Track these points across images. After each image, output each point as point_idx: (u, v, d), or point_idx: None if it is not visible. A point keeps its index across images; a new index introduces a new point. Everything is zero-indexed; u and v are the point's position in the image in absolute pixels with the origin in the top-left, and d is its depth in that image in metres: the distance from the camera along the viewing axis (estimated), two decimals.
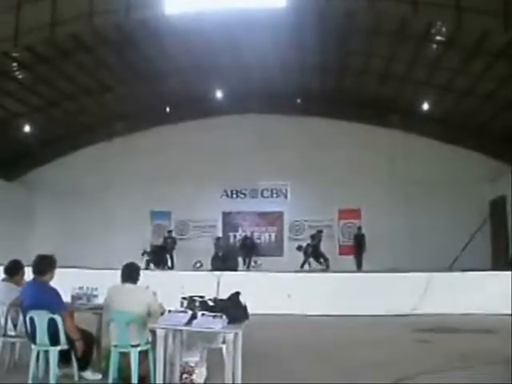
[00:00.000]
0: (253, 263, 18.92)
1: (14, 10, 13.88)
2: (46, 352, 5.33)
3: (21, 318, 5.63)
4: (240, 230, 20.97)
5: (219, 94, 20.12)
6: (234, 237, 21.20)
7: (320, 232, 18.69)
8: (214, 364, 5.51)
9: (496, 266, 16.99)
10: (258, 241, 21.24)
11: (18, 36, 14.11)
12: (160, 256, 18.64)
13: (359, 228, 19.73)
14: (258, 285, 11.56)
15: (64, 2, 13.92)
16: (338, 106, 20.60)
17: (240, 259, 18.92)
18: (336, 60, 17.85)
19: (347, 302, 11.72)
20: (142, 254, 17.84)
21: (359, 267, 18.26)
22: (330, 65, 18.22)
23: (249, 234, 20.78)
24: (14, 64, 16.50)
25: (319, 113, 20.77)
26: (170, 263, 19.02)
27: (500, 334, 8.48)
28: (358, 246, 19.11)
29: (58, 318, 5.24)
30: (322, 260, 17.84)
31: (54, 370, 5.22)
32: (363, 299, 11.78)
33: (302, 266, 17.57)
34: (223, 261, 16.70)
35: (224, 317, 4.99)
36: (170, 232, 20.34)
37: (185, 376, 5.37)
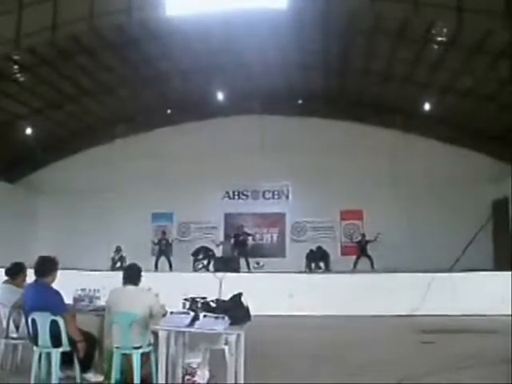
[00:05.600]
0: (255, 264, 18.84)
1: (16, 12, 13.94)
2: (48, 354, 5.31)
3: (23, 319, 5.64)
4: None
5: (220, 96, 20.07)
6: None
7: None
8: (217, 365, 5.49)
9: (498, 267, 16.94)
10: (260, 241, 21.24)
11: (19, 38, 14.17)
12: None
13: (363, 235, 19.27)
14: (260, 286, 11.57)
15: (65, 4, 13.99)
16: (339, 106, 20.58)
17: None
18: (337, 61, 17.82)
19: (349, 303, 11.75)
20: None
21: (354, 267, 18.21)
22: (332, 65, 18.21)
23: (241, 230, 19.59)
24: (16, 66, 16.51)
25: (321, 113, 20.72)
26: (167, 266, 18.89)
27: (502, 335, 8.46)
28: (360, 252, 18.87)
29: (60, 320, 5.24)
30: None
31: (56, 371, 5.21)
32: (365, 299, 11.82)
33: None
34: (225, 262, 16.65)
35: (226, 318, 4.99)
36: (164, 234, 20.18)
37: (187, 377, 5.35)
